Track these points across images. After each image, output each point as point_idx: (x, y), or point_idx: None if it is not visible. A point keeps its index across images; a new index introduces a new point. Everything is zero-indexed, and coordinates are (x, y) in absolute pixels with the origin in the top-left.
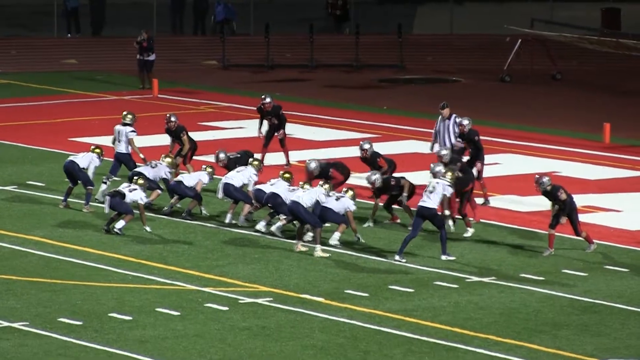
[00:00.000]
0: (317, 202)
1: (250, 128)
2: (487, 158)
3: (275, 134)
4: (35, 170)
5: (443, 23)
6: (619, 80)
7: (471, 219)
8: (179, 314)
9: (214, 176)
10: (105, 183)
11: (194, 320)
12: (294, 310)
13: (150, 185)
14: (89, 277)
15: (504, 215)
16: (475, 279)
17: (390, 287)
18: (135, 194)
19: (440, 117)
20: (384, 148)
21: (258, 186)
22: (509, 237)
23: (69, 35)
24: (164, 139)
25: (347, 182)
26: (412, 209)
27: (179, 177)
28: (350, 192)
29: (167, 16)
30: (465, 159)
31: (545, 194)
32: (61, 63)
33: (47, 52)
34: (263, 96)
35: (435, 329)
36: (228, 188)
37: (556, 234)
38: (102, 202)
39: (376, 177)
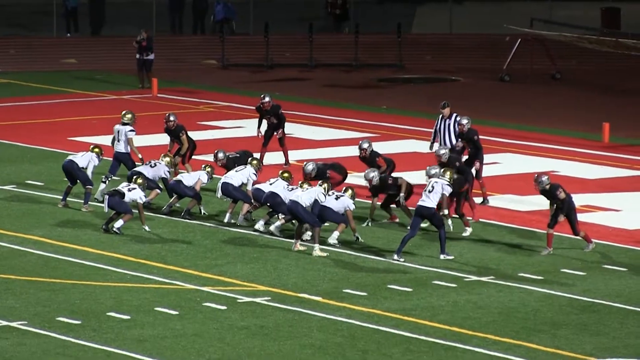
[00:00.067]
0: (316, 202)
1: (250, 127)
2: (487, 157)
3: (275, 133)
4: (34, 169)
5: (442, 22)
6: (618, 80)
7: (469, 218)
8: (177, 313)
9: (213, 176)
10: (104, 182)
11: (193, 319)
12: (293, 309)
13: (149, 184)
14: (87, 276)
15: (503, 215)
16: (473, 278)
17: (389, 286)
18: (134, 193)
19: (440, 116)
20: (383, 147)
21: (257, 185)
22: (508, 237)
23: (69, 34)
24: (163, 139)
25: (346, 181)
26: (410, 208)
27: (178, 177)
28: (350, 191)
29: (167, 15)
30: (464, 158)
31: (544, 192)
32: (61, 62)
33: (47, 52)
34: (262, 95)
35: (433, 328)
36: (227, 187)
37: (555, 233)
38: (101, 202)
39: (374, 174)
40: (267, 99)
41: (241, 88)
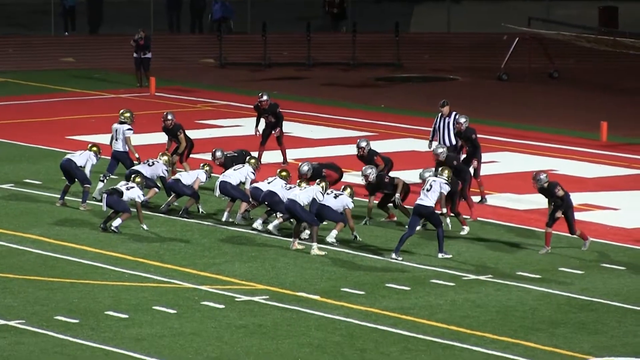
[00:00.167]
0: (314, 200)
1: (248, 126)
2: (485, 156)
3: (273, 132)
4: (33, 168)
5: (440, 21)
6: (616, 79)
7: (467, 217)
8: (175, 312)
9: (212, 174)
10: (102, 181)
11: (191, 318)
12: (291, 308)
13: (147, 183)
14: (85, 275)
15: (501, 213)
16: (471, 277)
17: (387, 285)
18: (132, 192)
19: (440, 114)
20: (381, 146)
21: (255, 184)
22: (506, 235)
23: (67, 33)
24: (161, 137)
25: (344, 180)
26: (408, 207)
27: (177, 175)
28: (349, 190)
29: (164, 14)
30: (463, 157)
31: (542, 190)
32: (59, 61)
33: (45, 51)
34: (260, 94)
35: (431, 327)
36: (225, 186)
37: (553, 232)
38: (99, 200)
39: (371, 171)
40: (265, 97)
41: (239, 87)
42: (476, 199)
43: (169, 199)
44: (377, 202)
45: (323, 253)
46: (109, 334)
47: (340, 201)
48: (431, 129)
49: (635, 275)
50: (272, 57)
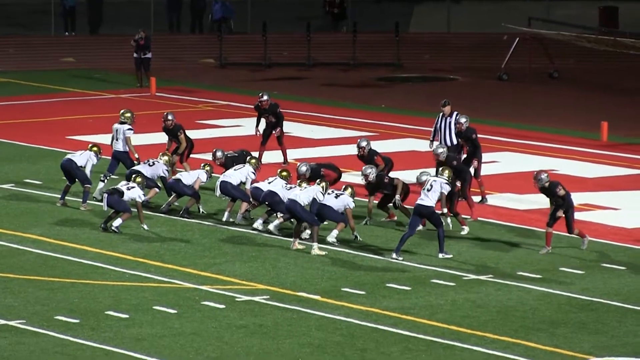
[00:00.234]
0: (314, 200)
1: (248, 126)
2: (485, 156)
3: (273, 132)
4: (33, 168)
5: (440, 21)
6: (616, 79)
7: (467, 217)
8: (175, 312)
9: (212, 174)
10: (103, 181)
11: (191, 318)
12: (291, 308)
13: (148, 183)
14: (86, 275)
15: (502, 213)
16: (472, 276)
17: (388, 285)
18: (133, 192)
19: (441, 114)
20: (381, 146)
21: (256, 184)
22: (507, 235)
23: (67, 33)
24: (162, 137)
25: (344, 180)
26: (408, 207)
27: (178, 175)
28: (350, 190)
29: (165, 14)
30: (463, 157)
31: (543, 190)
32: (59, 61)
33: (45, 51)
34: (260, 94)
35: (432, 327)
36: (225, 186)
37: (554, 232)
38: (100, 200)
39: (371, 171)
40: (265, 97)
41: (239, 87)
42: (477, 199)
43: (170, 199)
44: (376, 202)
45: (323, 253)
46: (110, 334)
47: (341, 201)
48: (432, 129)
49: (635, 275)
50: (272, 57)
